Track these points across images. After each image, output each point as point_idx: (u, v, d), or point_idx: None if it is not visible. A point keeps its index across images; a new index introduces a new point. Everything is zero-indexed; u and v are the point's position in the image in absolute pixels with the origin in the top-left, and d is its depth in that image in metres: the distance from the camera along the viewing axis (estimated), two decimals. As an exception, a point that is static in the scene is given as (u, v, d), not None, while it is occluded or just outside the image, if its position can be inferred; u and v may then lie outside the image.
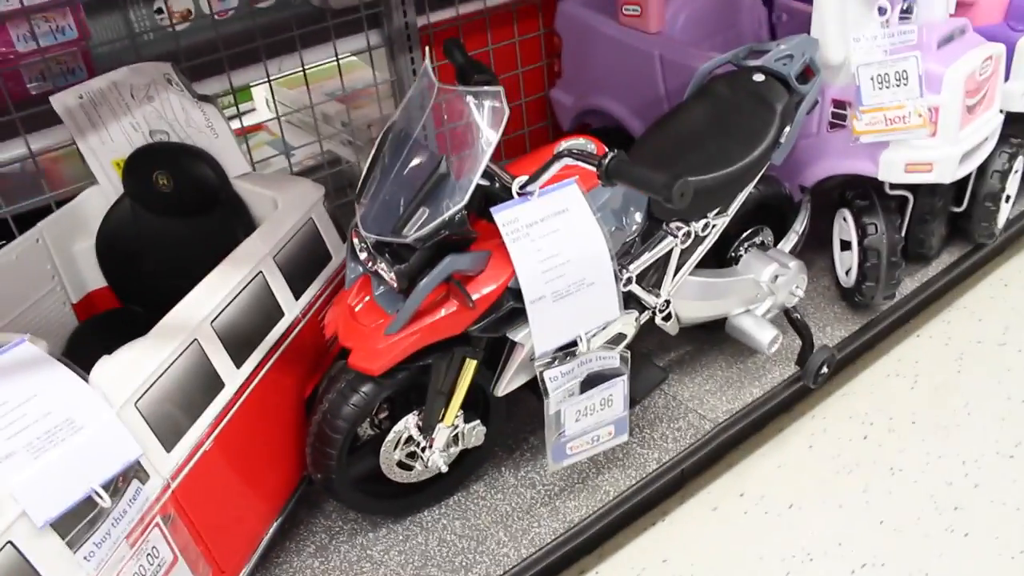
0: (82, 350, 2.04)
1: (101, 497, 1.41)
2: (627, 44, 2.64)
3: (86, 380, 1.47)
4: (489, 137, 1.62)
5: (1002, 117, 2.44)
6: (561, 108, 2.98)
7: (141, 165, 2.04)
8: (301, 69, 2.52)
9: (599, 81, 2.78)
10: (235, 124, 2.58)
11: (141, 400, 1.54)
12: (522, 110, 3.06)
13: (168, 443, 1.60)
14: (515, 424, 2.22)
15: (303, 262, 1.97)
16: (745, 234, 2.34)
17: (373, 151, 1.75)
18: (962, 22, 2.34)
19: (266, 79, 2.47)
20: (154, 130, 2.05)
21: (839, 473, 2.29)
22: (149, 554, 1.53)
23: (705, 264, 2.18)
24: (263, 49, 2.43)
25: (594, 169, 1.56)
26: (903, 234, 2.53)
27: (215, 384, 1.72)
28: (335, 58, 2.58)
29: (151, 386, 1.57)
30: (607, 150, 1.58)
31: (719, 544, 2.13)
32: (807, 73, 2.22)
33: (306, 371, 1.98)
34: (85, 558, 1.39)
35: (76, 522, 1.39)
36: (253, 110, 3.32)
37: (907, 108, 2.23)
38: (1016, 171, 2.70)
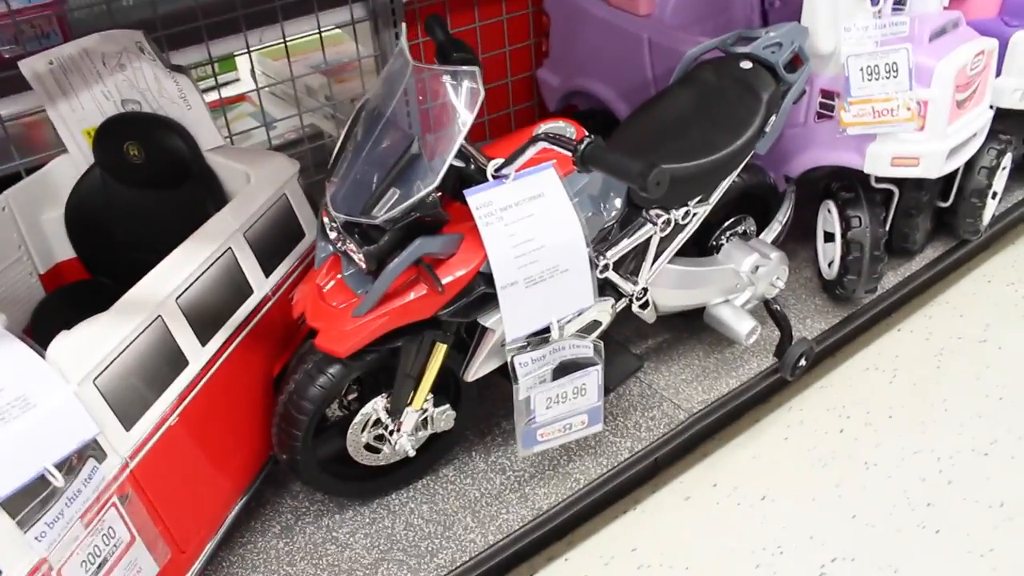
0: (48, 322, 2.01)
1: (54, 476, 1.38)
2: (616, 26, 2.59)
3: (43, 356, 1.43)
4: (464, 118, 1.58)
5: (992, 113, 2.41)
6: (547, 88, 2.94)
7: (112, 135, 2.00)
8: (283, 41, 2.47)
9: (586, 62, 2.73)
10: (214, 95, 2.54)
11: (100, 377, 1.51)
12: (508, 89, 3.01)
13: (128, 421, 1.56)
14: (487, 408, 2.20)
15: (275, 239, 1.94)
16: (727, 223, 2.31)
17: (345, 129, 1.71)
18: (955, 15, 2.30)
19: (246, 50, 2.42)
20: (126, 99, 2.00)
21: (814, 466, 2.27)
22: (105, 534, 1.50)
23: (685, 252, 2.16)
24: (243, 19, 2.37)
25: (570, 154, 1.53)
26: (887, 228, 2.51)
27: (179, 362, 1.68)
28: (318, 30, 2.53)
29: (111, 363, 1.53)
30: (585, 134, 1.54)
31: (690, 534, 2.12)
32: (796, 62, 2.19)
33: (275, 350, 1.95)
34: (36, 538, 1.36)
35: (27, 501, 1.35)
36: (237, 80, 3.27)
37: (896, 101, 2.20)
38: (1004, 167, 2.67)
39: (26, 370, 1.40)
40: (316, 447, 1.87)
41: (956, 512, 2.14)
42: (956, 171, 2.55)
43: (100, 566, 1.50)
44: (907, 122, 2.20)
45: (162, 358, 1.64)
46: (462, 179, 1.67)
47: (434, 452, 2.05)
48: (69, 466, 1.42)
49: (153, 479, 1.61)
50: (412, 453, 1.92)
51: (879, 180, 2.41)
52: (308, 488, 2.04)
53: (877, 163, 2.28)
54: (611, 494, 2.12)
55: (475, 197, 1.62)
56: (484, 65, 2.86)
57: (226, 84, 3.20)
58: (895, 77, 2.18)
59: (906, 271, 2.66)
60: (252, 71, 2.62)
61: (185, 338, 1.69)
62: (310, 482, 1.92)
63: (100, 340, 1.53)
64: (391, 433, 1.90)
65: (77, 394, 1.44)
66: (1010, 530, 2.09)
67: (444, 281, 1.65)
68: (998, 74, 2.48)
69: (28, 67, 1.95)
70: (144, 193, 2.04)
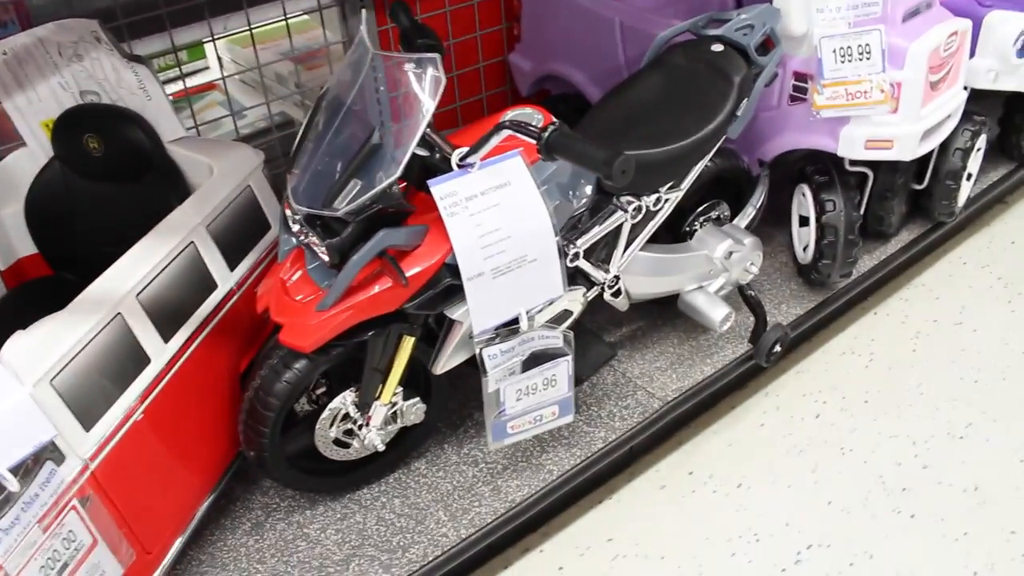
0: (7, 321, 1.96)
1: (8, 481, 1.35)
2: (587, 9, 2.55)
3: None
4: (426, 106, 1.54)
5: (966, 94, 2.39)
6: (520, 73, 2.90)
7: (70, 127, 1.96)
8: (248, 28, 2.42)
9: (558, 46, 2.70)
10: (179, 85, 2.49)
11: (57, 377, 1.47)
12: (480, 74, 2.97)
13: (87, 422, 1.53)
14: (459, 400, 2.18)
15: (239, 232, 1.90)
16: (701, 208, 2.28)
17: (306, 119, 1.67)
18: (928, -5, 2.28)
19: (211, 38, 2.38)
20: (84, 91, 1.96)
21: (790, 452, 2.27)
22: (65, 538, 1.47)
23: (659, 239, 2.13)
24: (208, 6, 2.33)
25: (534, 142, 1.50)
26: (862, 211, 2.49)
27: (141, 359, 1.65)
28: (283, 17, 2.48)
29: (69, 363, 1.50)
30: (552, 121, 1.51)
31: (665, 523, 2.10)
32: (768, 44, 2.16)
33: (241, 345, 1.92)
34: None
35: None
36: (207, 68, 3.22)
37: (869, 83, 2.17)
38: (978, 149, 2.66)
39: (-22, 372, 1.37)
40: (284, 443, 1.84)
41: (931, 497, 2.14)
42: (931, 153, 2.53)
43: (61, 570, 1.47)
44: (880, 104, 2.18)
45: (123, 356, 1.61)
46: (427, 168, 1.64)
47: (405, 446, 2.03)
48: (25, 469, 1.39)
49: (115, 480, 1.58)
50: (381, 447, 1.90)
51: (853, 163, 2.39)
52: (279, 484, 2.01)
53: (851, 146, 2.25)
54: (586, 484, 2.11)
55: (439, 187, 1.59)
56: (455, 50, 2.84)
57: (196, 72, 3.16)
58: (868, 59, 2.15)
59: (881, 254, 2.65)
60: (219, 59, 2.58)
61: (147, 335, 1.66)
62: (279, 478, 1.90)
63: (57, 339, 1.49)
64: (360, 428, 1.88)
65: (33, 396, 1.41)
66: (984, 514, 2.09)
67: (409, 273, 1.62)
68: (972, 55, 2.46)
69: (-17, 58, 1.90)
70: (105, 186, 2.00)
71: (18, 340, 1.46)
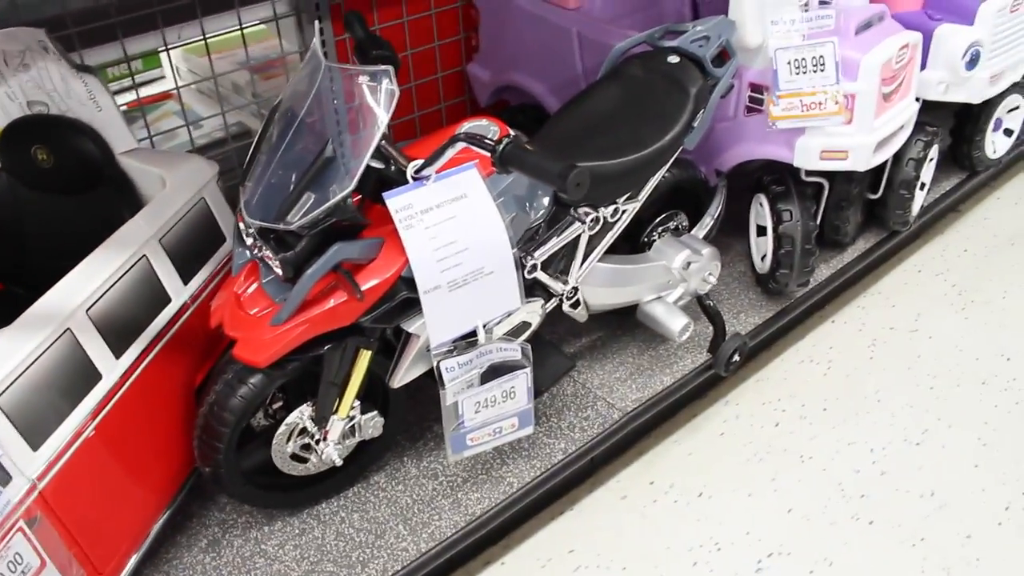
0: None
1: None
2: (545, 19, 2.56)
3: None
4: (380, 118, 1.53)
5: (918, 105, 2.43)
6: (478, 83, 2.90)
7: (18, 138, 1.92)
8: (203, 38, 2.40)
9: (516, 56, 2.70)
10: (131, 95, 2.46)
11: (3, 396, 1.44)
12: (438, 85, 2.96)
13: (35, 441, 1.50)
14: (419, 412, 2.16)
15: (193, 244, 1.87)
16: (659, 219, 2.29)
17: (259, 131, 1.65)
18: (881, 9, 2.31)
19: (164, 47, 2.35)
20: (32, 101, 1.92)
21: (750, 461, 2.28)
22: (11, 561, 1.43)
23: (617, 249, 2.14)
24: (160, 15, 2.30)
25: (488, 155, 1.49)
26: (819, 221, 2.52)
27: (91, 376, 1.62)
28: (239, 27, 2.46)
29: (15, 380, 1.46)
30: (508, 133, 1.51)
31: (627, 533, 2.10)
32: (724, 56, 2.18)
33: (195, 359, 1.89)
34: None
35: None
36: (163, 77, 3.17)
37: (823, 94, 2.20)
38: (931, 159, 2.70)
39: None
40: (241, 458, 1.82)
41: (889, 503, 2.16)
42: (885, 163, 2.56)
43: (7, 594, 1.43)
44: (835, 115, 2.21)
45: (73, 373, 1.58)
46: (382, 181, 1.63)
47: (364, 460, 2.01)
48: (-31, 491, 1.36)
49: (65, 499, 1.55)
50: (339, 462, 1.88)
51: (809, 173, 2.41)
52: (234, 500, 1.98)
53: (807, 156, 2.28)
54: (546, 496, 2.10)
55: (394, 200, 1.58)
56: (413, 60, 2.83)
57: (152, 82, 3.11)
58: (822, 71, 2.18)
59: (838, 263, 2.68)
60: (174, 69, 2.55)
61: (97, 351, 1.62)
62: (235, 494, 1.87)
63: (3, 356, 1.46)
64: (318, 442, 1.85)
65: (-22, 414, 1.38)
66: (940, 519, 2.11)
67: (364, 287, 1.60)
68: (923, 67, 2.50)
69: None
70: (54, 199, 1.96)
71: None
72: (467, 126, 1.80)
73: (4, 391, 1.44)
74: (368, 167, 1.55)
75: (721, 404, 2.44)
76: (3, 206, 1.98)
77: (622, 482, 2.23)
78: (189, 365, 1.88)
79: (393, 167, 1.63)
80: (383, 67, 1.54)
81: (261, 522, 1.97)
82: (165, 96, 3.03)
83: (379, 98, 1.54)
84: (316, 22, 1.68)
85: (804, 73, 2.20)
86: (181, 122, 2.64)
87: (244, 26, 2.46)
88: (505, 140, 1.47)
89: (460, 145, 1.54)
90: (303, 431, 1.84)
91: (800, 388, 2.48)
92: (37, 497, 1.49)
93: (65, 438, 1.56)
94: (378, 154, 1.59)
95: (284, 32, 2.58)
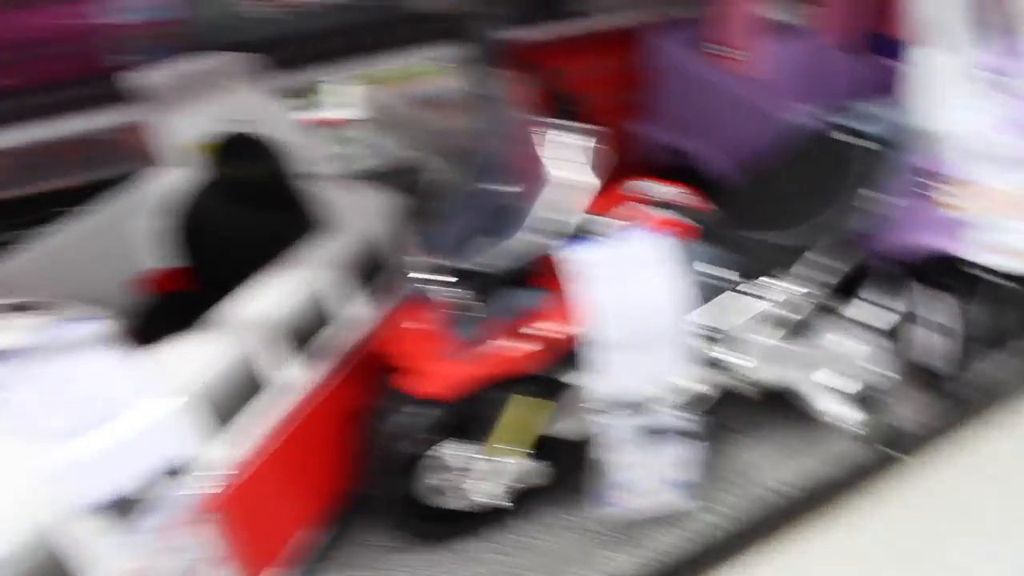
0: (154, 328, 2.02)
1: (150, 486, 1.39)
2: (721, 88, 2.56)
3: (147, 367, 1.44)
4: (582, 177, 1.55)
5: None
6: (640, 142, 2.90)
7: (223, 153, 2.03)
8: (380, 70, 2.49)
9: (683, 120, 2.71)
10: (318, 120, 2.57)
11: (205, 393, 1.53)
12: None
13: (222, 442, 1.58)
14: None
15: (371, 272, 1.94)
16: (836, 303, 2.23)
17: (449, 172, 1.70)
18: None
19: (346, 77, 2.45)
20: (232, 120, 2.03)
21: (901, 560, 2.16)
22: (190, 548, 1.50)
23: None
24: (349, 49, 2.41)
25: (696, 224, 1.49)
26: (985, 317, 2.41)
27: (280, 386, 1.70)
28: (420, 62, 2.54)
29: (213, 381, 1.55)
30: (709, 206, 1.50)
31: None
32: (898, 139, 2.12)
33: (365, 385, 1.94)
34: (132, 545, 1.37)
35: (128, 509, 1.37)
36: (342, 106, 3.29)
37: (1007, 190, 2.12)
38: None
39: (130, 380, 1.40)
40: (401, 486, 1.84)
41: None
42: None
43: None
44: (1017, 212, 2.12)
45: (254, 382, 1.65)
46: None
47: (524, 504, 2.00)
48: (164, 478, 1.42)
49: (241, 501, 1.61)
50: (500, 502, 1.88)
51: (977, 267, 2.31)
52: (393, 527, 1.99)
53: (982, 251, 2.19)
54: (684, 568, 2.06)
55: (575, 254, 1.59)
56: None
57: (330, 109, 3.24)
58: (1011, 165, 2.10)
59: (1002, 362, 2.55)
60: (354, 100, 2.65)
61: (282, 364, 1.70)
62: (398, 521, 1.90)
63: (211, 357, 1.55)
64: (477, 480, 1.87)
65: (181, 409, 1.46)
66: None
67: (539, 336, 1.62)
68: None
69: (146, 79, 1.99)
70: (247, 212, 2.06)
71: (173, 351, 1.52)
72: (667, 192, 1.78)
73: (202, 390, 1.52)
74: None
75: (873, 500, 2.31)
76: (207, 215, 2.09)
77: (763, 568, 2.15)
78: (358, 390, 1.92)
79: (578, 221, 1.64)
80: (590, 127, 1.55)
81: (409, 549, 1.99)
82: (340, 122, 3.13)
83: (581, 155, 1.56)
84: (519, 69, 1.72)
85: (991, 164, 2.12)
86: (354, 150, 2.72)
87: (422, 63, 2.54)
88: (710, 215, 1.46)
89: (662, 212, 1.54)
90: (462, 468, 1.85)
91: (958, 493, 2.34)
92: (219, 494, 1.55)
93: (251, 442, 1.63)
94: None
95: (462, 72, 2.65)
